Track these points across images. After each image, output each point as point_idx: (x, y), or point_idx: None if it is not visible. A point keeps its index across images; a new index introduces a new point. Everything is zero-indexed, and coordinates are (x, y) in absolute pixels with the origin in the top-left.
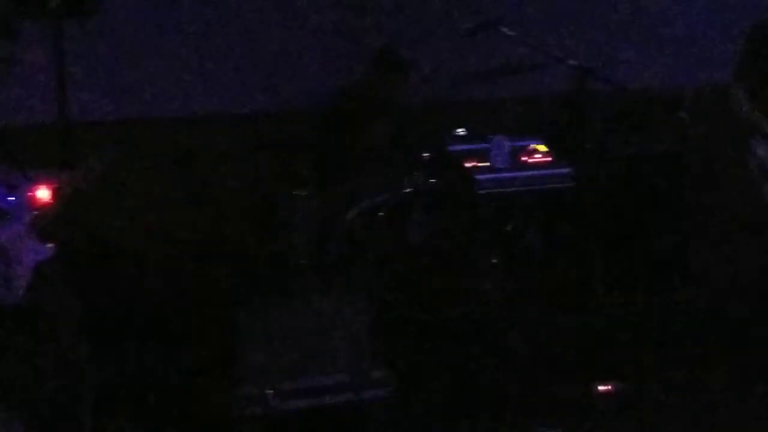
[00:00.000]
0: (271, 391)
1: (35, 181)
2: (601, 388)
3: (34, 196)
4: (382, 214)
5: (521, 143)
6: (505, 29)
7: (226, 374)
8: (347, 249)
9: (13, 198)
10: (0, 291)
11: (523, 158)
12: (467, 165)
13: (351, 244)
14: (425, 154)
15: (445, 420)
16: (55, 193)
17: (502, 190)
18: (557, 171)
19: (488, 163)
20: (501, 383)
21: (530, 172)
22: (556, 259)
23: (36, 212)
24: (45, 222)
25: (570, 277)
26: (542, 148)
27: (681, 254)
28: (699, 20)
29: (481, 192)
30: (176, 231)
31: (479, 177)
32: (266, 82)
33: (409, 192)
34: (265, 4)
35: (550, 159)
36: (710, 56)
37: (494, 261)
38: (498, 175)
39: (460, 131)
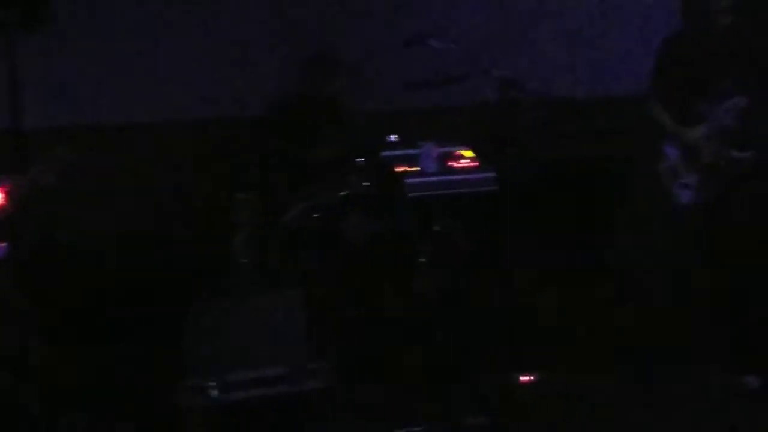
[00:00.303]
0: (213, 383)
1: None
2: (523, 378)
3: None
4: (317, 216)
5: (449, 149)
6: (434, 42)
7: (172, 367)
8: (285, 249)
9: None
10: None
11: (451, 163)
12: (398, 170)
13: (288, 245)
14: (359, 159)
15: (378, 409)
16: (8, 196)
17: (430, 193)
18: (482, 175)
19: (418, 168)
20: (427, 375)
21: (457, 177)
22: (480, 257)
23: None
24: None
25: (494, 275)
26: (469, 153)
27: (598, 251)
28: (617, 33)
29: (410, 195)
30: (125, 232)
31: (409, 181)
32: (210, 89)
33: (343, 195)
34: (207, 13)
35: (476, 164)
36: (627, 67)
37: (423, 260)
38: (427, 179)
39: (393, 138)
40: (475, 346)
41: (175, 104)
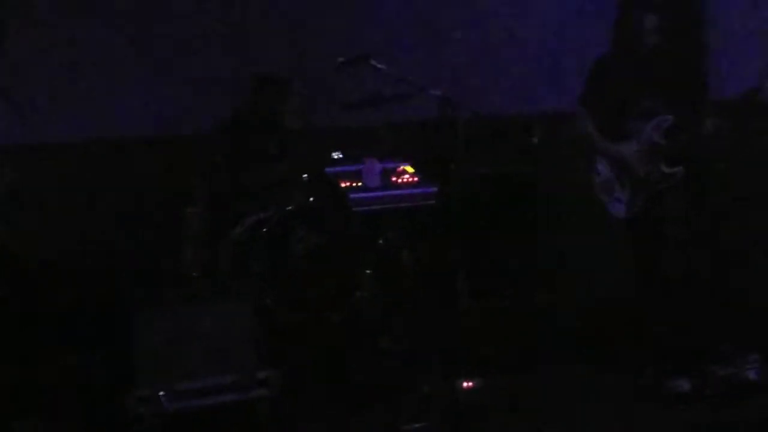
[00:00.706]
0: (163, 393)
1: None
2: (465, 384)
3: None
4: (265, 230)
5: (391, 165)
6: (375, 62)
7: (123, 376)
8: (233, 261)
9: None
10: None
11: (393, 179)
12: (342, 185)
13: (237, 257)
14: (305, 175)
15: (325, 418)
16: None
17: (373, 207)
18: (423, 190)
19: (361, 183)
20: (374, 381)
21: (399, 191)
22: (421, 267)
23: None
24: None
25: (435, 283)
26: (410, 169)
27: (532, 261)
28: (550, 54)
29: (355, 209)
30: (79, 243)
31: (353, 195)
32: (160, 107)
33: (290, 209)
34: (160, 31)
35: (416, 179)
36: (560, 86)
37: (368, 271)
38: (370, 194)
39: (336, 154)
40: (420, 353)
41: (125, 122)
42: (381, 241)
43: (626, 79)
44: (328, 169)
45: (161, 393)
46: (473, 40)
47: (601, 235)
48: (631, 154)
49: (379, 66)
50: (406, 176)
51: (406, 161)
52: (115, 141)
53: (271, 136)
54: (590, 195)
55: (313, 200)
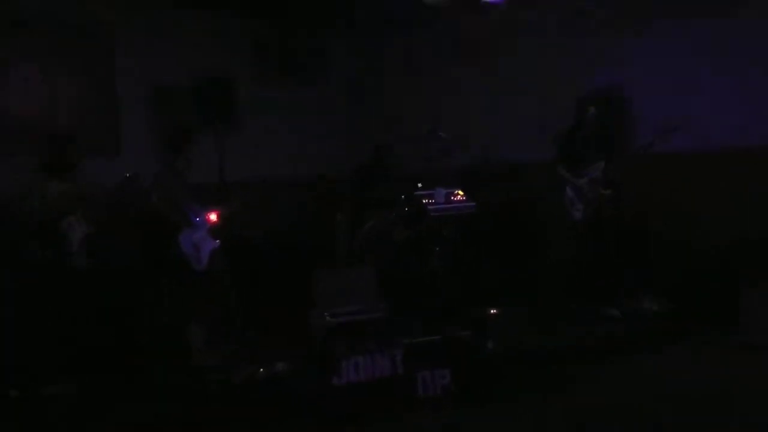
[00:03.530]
0: (327, 313)
1: None
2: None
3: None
4: (380, 228)
5: (450, 190)
6: (441, 133)
7: (308, 304)
8: (364, 245)
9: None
10: (195, 264)
11: (452, 198)
12: (424, 201)
13: (365, 243)
14: (402, 196)
15: (414, 327)
16: (218, 216)
17: (440, 214)
18: (468, 204)
19: (434, 200)
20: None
21: (454, 205)
22: (465, 245)
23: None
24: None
25: (473, 254)
26: (461, 192)
27: (531, 243)
28: (542, 124)
29: (431, 215)
30: (278, 238)
31: (429, 207)
32: (317, 157)
33: (394, 216)
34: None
35: (464, 198)
36: (546, 144)
37: (437, 249)
38: (438, 206)
39: (419, 185)
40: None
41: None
42: (444, 233)
43: (580, 141)
44: (416, 193)
45: (326, 313)
46: (493, 119)
47: (568, 229)
48: (584, 184)
49: (442, 135)
50: (459, 196)
51: (458, 188)
52: (289, 181)
53: (382, 177)
54: (562, 207)
55: (407, 210)
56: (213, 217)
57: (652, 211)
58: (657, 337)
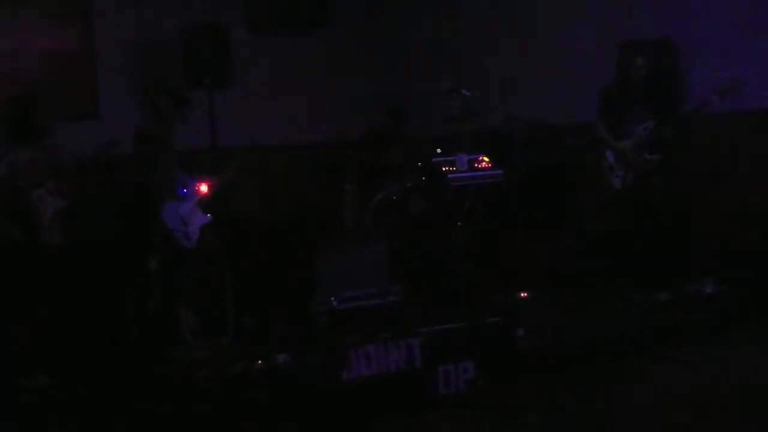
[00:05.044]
0: (334, 298)
1: None
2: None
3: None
4: (394, 197)
5: (473, 156)
6: (464, 91)
7: (310, 288)
8: (374, 218)
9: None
10: (183, 242)
11: (475, 165)
12: (443, 169)
13: (376, 216)
14: (419, 163)
15: (430, 310)
16: (209, 188)
17: (463, 183)
18: (494, 172)
19: (455, 168)
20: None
21: (478, 173)
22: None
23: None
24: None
25: (499, 228)
26: (486, 159)
27: (563, 220)
28: (580, 82)
29: (451, 184)
30: (279, 210)
31: (450, 176)
32: (322, 126)
33: (409, 185)
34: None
35: (489, 165)
36: (585, 104)
37: (458, 223)
38: (460, 175)
39: (438, 150)
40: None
41: (304, 131)
42: (467, 204)
43: (624, 99)
44: (434, 159)
45: (332, 298)
46: (527, 72)
47: (605, 198)
48: (626, 147)
49: (466, 93)
50: (483, 163)
51: (483, 154)
52: (299, 145)
53: (396, 141)
54: (600, 173)
55: (424, 179)
56: (203, 188)
57: (707, 181)
58: (713, 325)
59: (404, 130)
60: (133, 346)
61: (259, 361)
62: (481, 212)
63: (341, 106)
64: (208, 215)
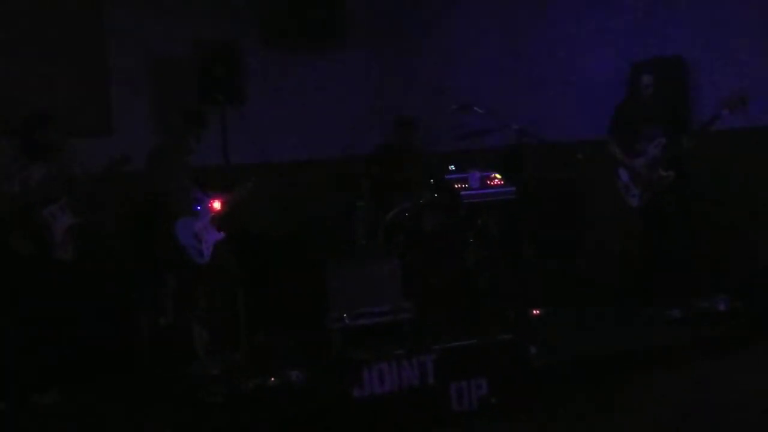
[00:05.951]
0: (346, 315)
1: None
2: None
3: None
4: (407, 214)
5: (486, 174)
6: (476, 108)
7: (323, 304)
8: (387, 234)
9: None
10: (197, 258)
11: (488, 182)
12: (456, 186)
13: (389, 232)
14: (431, 180)
15: (444, 328)
16: (222, 205)
17: (475, 200)
18: (506, 189)
19: (468, 185)
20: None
21: (491, 190)
22: (503, 236)
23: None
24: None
25: (511, 247)
26: (498, 176)
27: (575, 238)
28: (592, 101)
29: (464, 201)
30: (291, 227)
31: (463, 193)
32: (340, 139)
33: (422, 202)
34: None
35: (502, 182)
36: (596, 121)
37: (471, 240)
38: (473, 192)
39: (452, 167)
40: (501, 288)
41: (317, 147)
42: (479, 221)
43: (636, 117)
44: (447, 176)
45: (345, 315)
46: (539, 93)
47: (622, 218)
48: (641, 165)
49: (478, 110)
50: (496, 180)
51: (496, 171)
52: (310, 161)
53: (408, 156)
54: (614, 192)
55: (437, 196)
56: (217, 205)
57: (720, 196)
58: (726, 342)
59: (416, 142)
60: (146, 362)
61: (272, 378)
62: (493, 229)
63: (353, 122)
64: (222, 232)
